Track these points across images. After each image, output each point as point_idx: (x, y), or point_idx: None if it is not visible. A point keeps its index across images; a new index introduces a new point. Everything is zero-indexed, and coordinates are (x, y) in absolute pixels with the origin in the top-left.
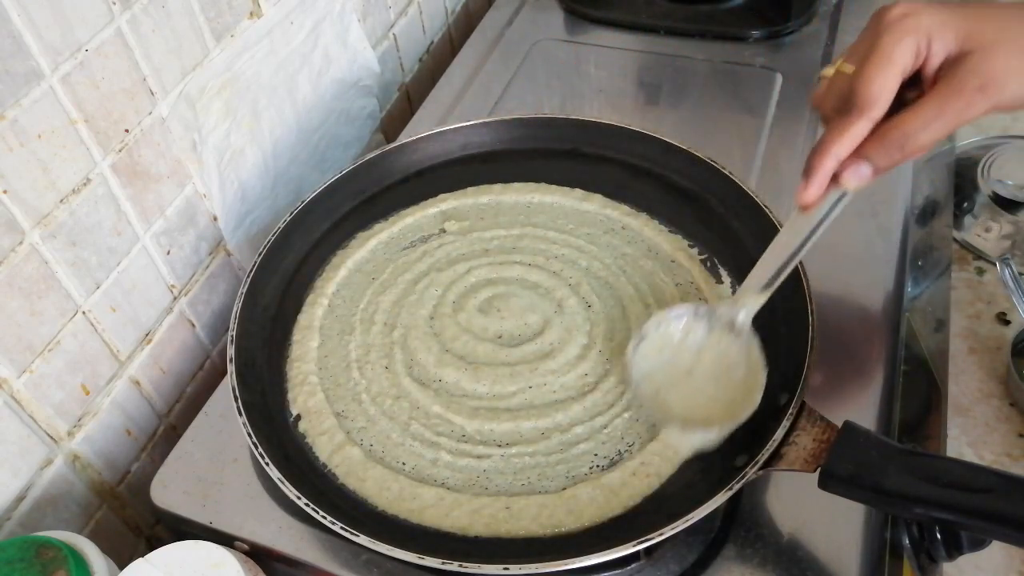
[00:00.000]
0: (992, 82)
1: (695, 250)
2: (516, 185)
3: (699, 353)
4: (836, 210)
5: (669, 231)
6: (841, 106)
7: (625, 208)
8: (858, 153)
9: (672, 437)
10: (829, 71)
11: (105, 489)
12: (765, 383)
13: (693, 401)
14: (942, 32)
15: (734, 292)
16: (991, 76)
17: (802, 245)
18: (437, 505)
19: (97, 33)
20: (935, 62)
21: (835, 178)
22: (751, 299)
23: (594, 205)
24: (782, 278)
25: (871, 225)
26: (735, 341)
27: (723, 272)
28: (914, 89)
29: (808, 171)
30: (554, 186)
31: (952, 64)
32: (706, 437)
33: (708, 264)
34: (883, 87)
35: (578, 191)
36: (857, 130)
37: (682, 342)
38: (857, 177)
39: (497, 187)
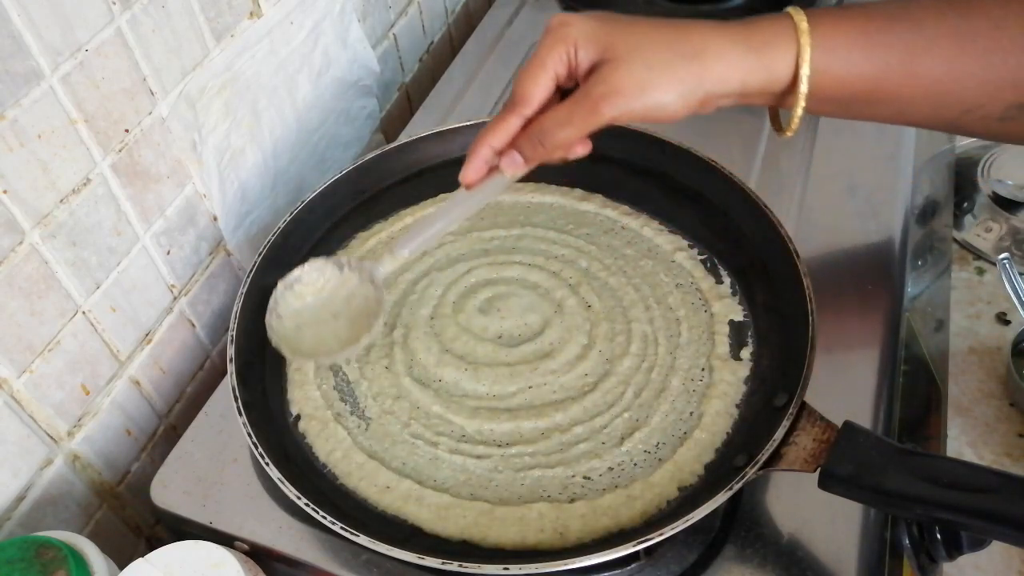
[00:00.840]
0: (616, 91)
1: (695, 250)
2: (516, 185)
3: (349, 300)
4: (498, 190)
5: (669, 231)
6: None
7: (625, 208)
8: (513, 144)
9: (297, 362)
10: None
11: (105, 489)
12: (378, 329)
13: (325, 338)
14: (586, 43)
15: (735, 293)
16: (616, 86)
17: (457, 217)
18: (437, 505)
19: (97, 33)
20: (583, 69)
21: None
22: (390, 259)
23: (594, 205)
24: (426, 245)
25: (871, 225)
26: (375, 292)
27: (723, 272)
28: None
29: (468, 155)
30: (553, 186)
31: (590, 73)
32: (324, 359)
33: (708, 264)
34: (532, 89)
35: (578, 191)
36: (508, 124)
37: (335, 290)
38: (512, 164)
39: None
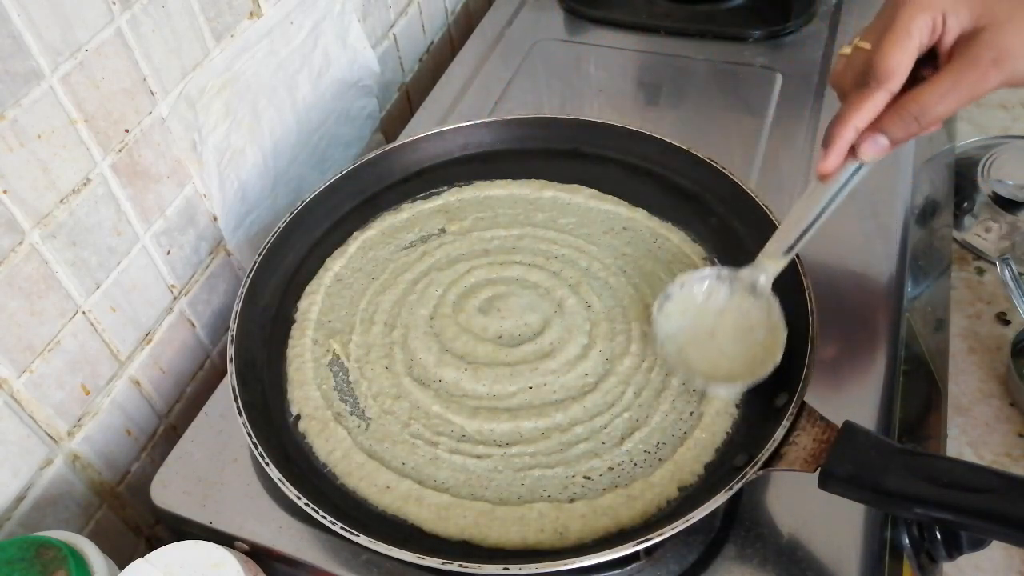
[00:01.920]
0: (1006, 55)
1: (695, 250)
2: (519, 182)
3: (721, 315)
4: (853, 181)
5: (669, 231)
6: (859, 81)
7: (625, 205)
8: (875, 126)
9: (698, 386)
10: (846, 49)
11: (105, 489)
12: (785, 342)
13: (715, 360)
14: (956, 8)
15: None
16: (1005, 50)
17: (820, 213)
18: (437, 505)
19: (97, 33)
20: (950, 38)
21: (852, 150)
22: (771, 263)
23: (596, 200)
24: (801, 244)
25: (871, 225)
26: (756, 303)
27: None
28: (928, 67)
29: (827, 141)
30: (556, 183)
31: (966, 39)
32: (731, 390)
33: (708, 264)
34: (900, 60)
35: (576, 186)
36: (875, 102)
37: (704, 304)
38: (875, 148)
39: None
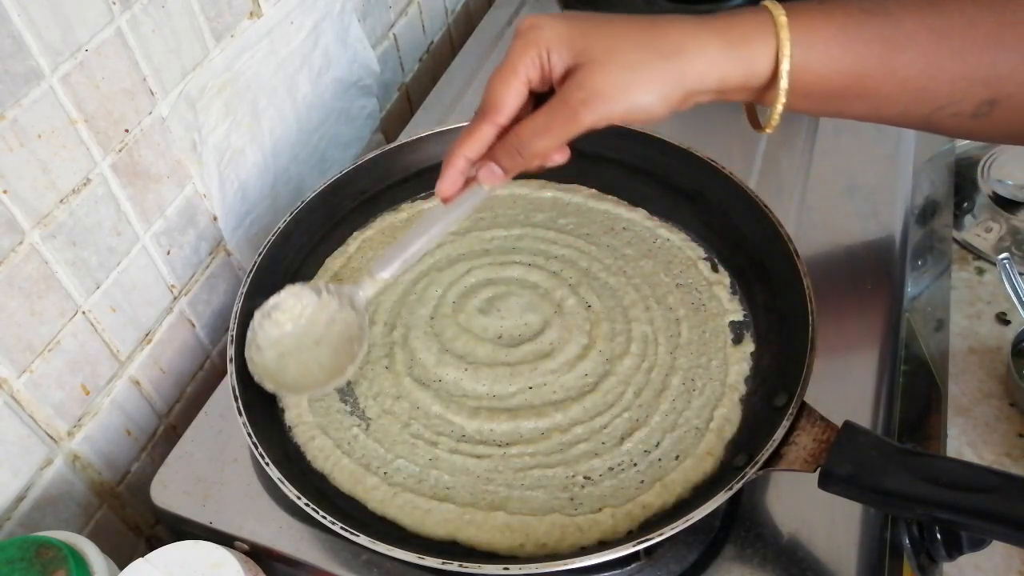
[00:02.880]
0: (596, 96)
1: (695, 250)
2: (518, 182)
3: (329, 325)
4: (476, 202)
5: (669, 231)
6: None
7: (625, 205)
8: (488, 155)
9: (284, 399)
10: None
11: (105, 489)
12: (362, 356)
13: (309, 367)
14: (559, 46)
15: (734, 293)
16: (595, 91)
17: (437, 234)
18: (437, 505)
19: (97, 33)
20: (556, 73)
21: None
22: (371, 282)
23: (595, 200)
24: (407, 265)
25: (871, 225)
26: (356, 317)
27: (723, 272)
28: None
29: (443, 167)
30: (554, 183)
31: (565, 78)
32: (299, 398)
33: (708, 264)
34: (505, 95)
35: (576, 186)
36: (482, 133)
37: (315, 314)
38: (490, 176)
39: None
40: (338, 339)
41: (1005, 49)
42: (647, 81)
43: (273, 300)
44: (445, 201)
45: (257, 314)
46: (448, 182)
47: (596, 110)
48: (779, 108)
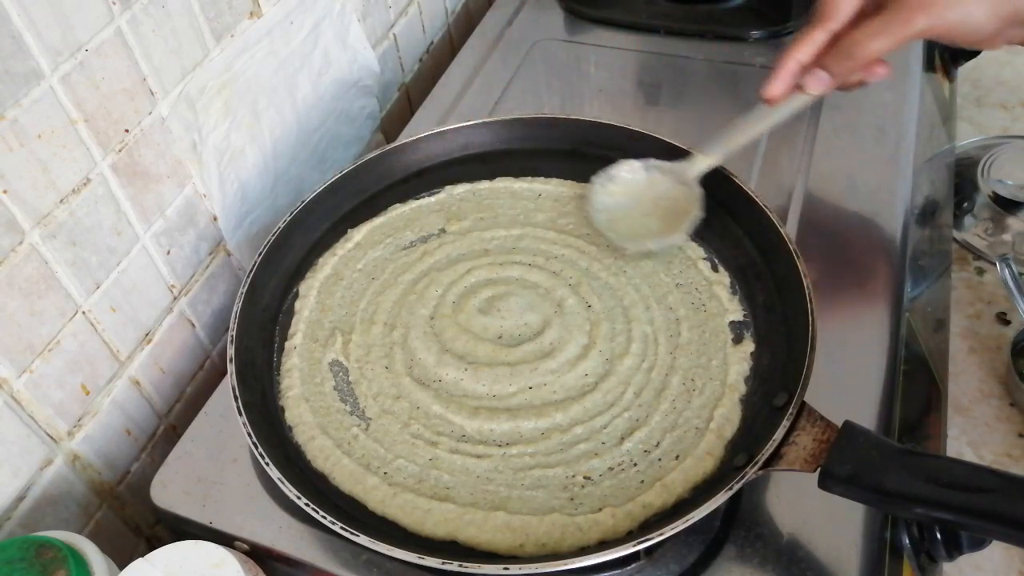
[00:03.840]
0: (933, 2)
1: (695, 250)
2: (519, 182)
3: (657, 200)
4: (797, 108)
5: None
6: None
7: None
8: (818, 63)
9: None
10: None
11: (105, 489)
12: (698, 216)
13: (638, 231)
14: None
15: (734, 293)
16: None
17: (762, 132)
18: (437, 505)
19: (97, 33)
20: None
21: (799, 85)
22: (705, 162)
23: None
24: (735, 152)
25: (871, 225)
26: (686, 192)
27: (723, 272)
28: None
29: (773, 70)
30: (555, 179)
31: None
32: (639, 245)
33: (708, 264)
34: (839, 1)
35: (576, 185)
36: (815, 38)
37: (647, 189)
38: (817, 82)
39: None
40: (665, 213)
41: None
42: None
43: (609, 172)
44: (771, 102)
45: (595, 180)
46: (778, 83)
47: (932, 14)
48: None
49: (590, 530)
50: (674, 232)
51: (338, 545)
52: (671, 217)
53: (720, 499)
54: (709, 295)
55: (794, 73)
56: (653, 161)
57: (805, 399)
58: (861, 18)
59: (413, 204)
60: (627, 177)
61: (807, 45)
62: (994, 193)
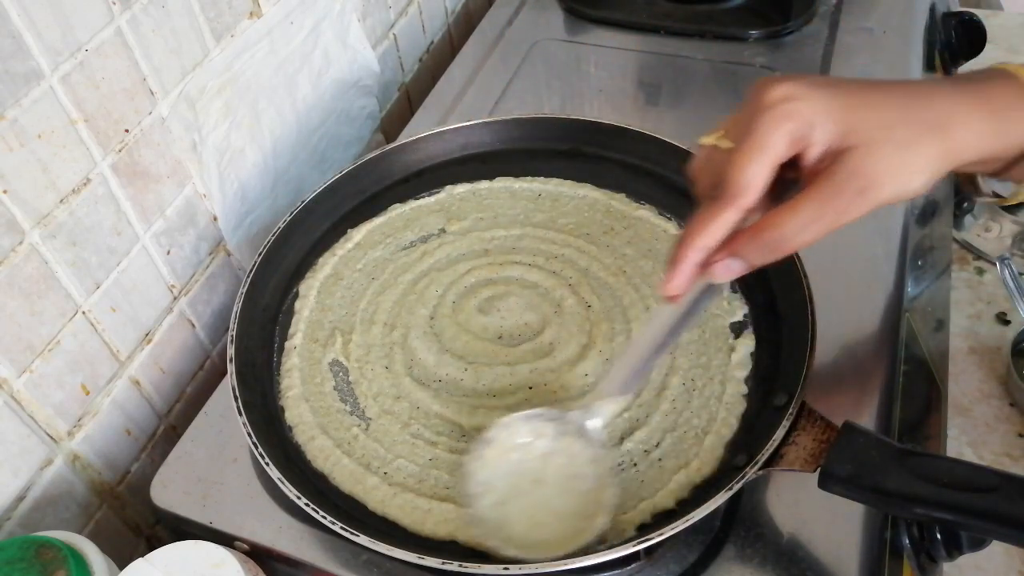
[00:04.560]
0: (873, 184)
1: None
2: (519, 182)
3: (546, 458)
4: (705, 301)
5: (669, 231)
6: (714, 184)
7: (626, 205)
8: (730, 247)
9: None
10: (708, 139)
11: (105, 489)
12: (613, 505)
13: (537, 516)
14: (823, 121)
15: (735, 293)
16: (872, 178)
17: (667, 339)
18: (437, 505)
19: (97, 33)
20: (816, 151)
21: (704, 266)
22: (607, 404)
23: (595, 201)
24: (646, 377)
25: (871, 225)
26: (585, 448)
27: None
28: (793, 169)
29: (673, 261)
30: (555, 179)
31: (832, 161)
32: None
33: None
34: (755, 176)
35: (576, 185)
36: (725, 219)
37: (530, 445)
38: (727, 272)
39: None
40: (561, 475)
41: None
42: (920, 163)
43: (486, 435)
44: (672, 300)
45: (471, 451)
46: (681, 278)
47: (872, 199)
48: None
49: (590, 530)
50: (593, 517)
51: (338, 545)
52: (568, 481)
53: (720, 499)
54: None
55: (699, 264)
56: (534, 411)
57: (805, 399)
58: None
59: (413, 204)
60: (502, 434)
61: (716, 229)
62: (994, 193)
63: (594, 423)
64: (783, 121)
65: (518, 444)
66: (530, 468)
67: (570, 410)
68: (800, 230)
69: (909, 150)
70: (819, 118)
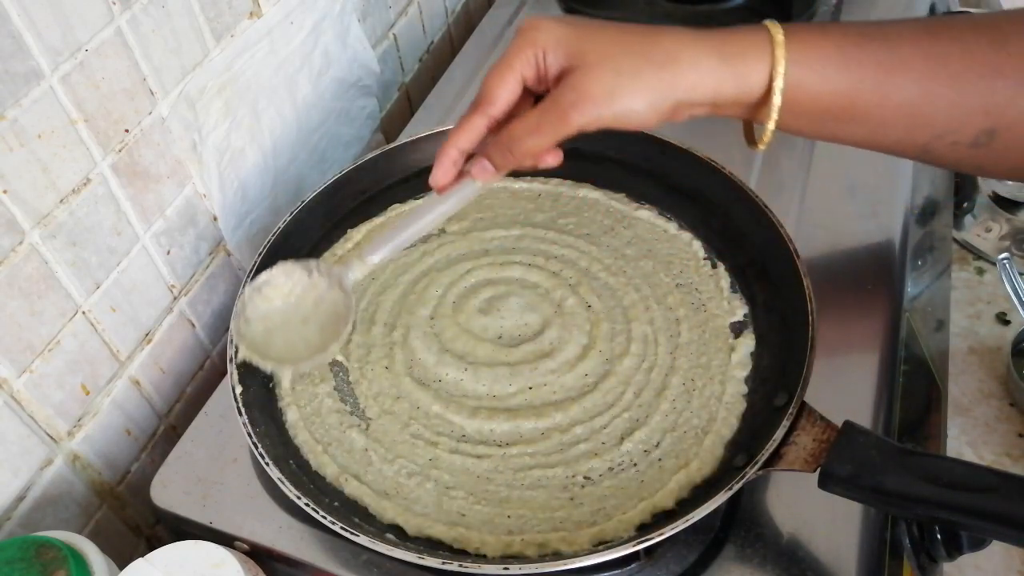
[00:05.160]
0: (586, 99)
1: (695, 250)
2: (519, 182)
3: (315, 305)
4: (470, 195)
5: (669, 231)
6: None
7: (626, 205)
8: (482, 151)
9: (271, 369)
10: None
11: (105, 489)
12: (346, 335)
13: (295, 343)
14: (555, 48)
15: (734, 293)
16: (586, 93)
17: (435, 223)
18: (436, 505)
19: (97, 33)
20: (551, 74)
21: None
22: (360, 264)
23: (595, 201)
24: (396, 251)
25: (871, 225)
26: (344, 298)
27: (723, 271)
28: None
29: (437, 157)
30: (556, 179)
31: (559, 79)
32: (293, 367)
33: (708, 264)
34: (499, 88)
35: (576, 185)
36: (474, 124)
37: (304, 294)
38: (482, 171)
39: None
40: (325, 318)
41: (1004, 78)
42: (638, 88)
43: (264, 276)
44: (438, 191)
45: (247, 288)
46: (441, 171)
47: (586, 112)
48: (771, 126)
49: (590, 530)
50: (330, 343)
51: (338, 545)
52: (329, 324)
53: (720, 499)
54: (709, 295)
55: (457, 161)
56: (312, 262)
57: (805, 399)
58: (523, 103)
59: (413, 204)
60: (281, 281)
61: (467, 132)
62: (994, 193)
63: (352, 277)
64: (525, 46)
65: (296, 291)
66: (303, 310)
67: (335, 267)
68: (526, 135)
69: (626, 76)
70: (552, 45)
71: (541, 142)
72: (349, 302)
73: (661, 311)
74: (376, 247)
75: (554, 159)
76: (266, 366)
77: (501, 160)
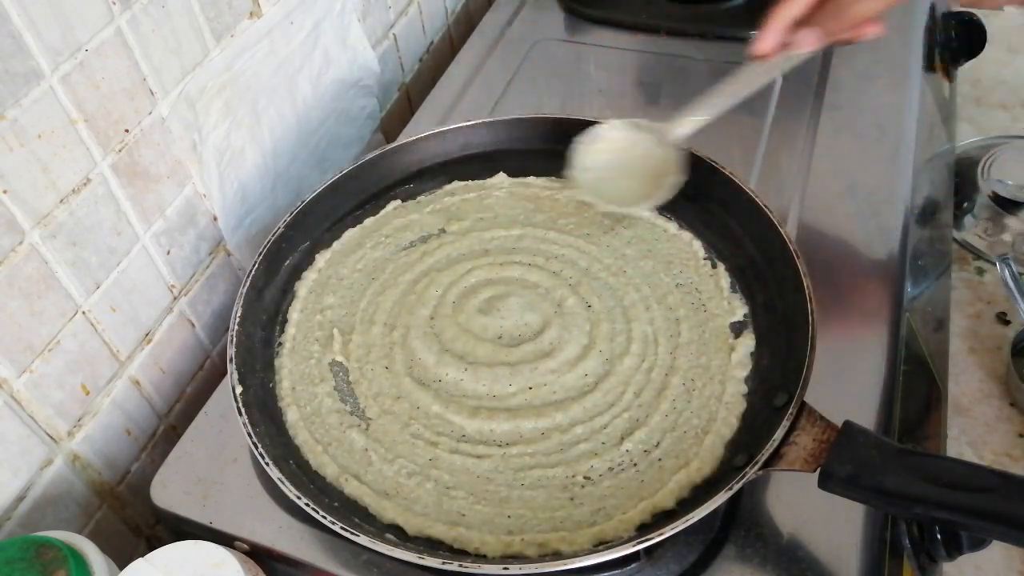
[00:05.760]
0: None
1: (696, 250)
2: (519, 182)
3: (640, 160)
4: (784, 69)
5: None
6: None
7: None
8: (809, 20)
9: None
10: None
11: (105, 489)
12: (670, 186)
13: (622, 190)
14: None
15: (734, 293)
16: None
17: (748, 92)
18: (436, 505)
19: (97, 33)
20: None
21: (786, 44)
22: (689, 123)
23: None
24: (720, 113)
25: (871, 225)
26: (668, 153)
27: (723, 271)
28: None
29: (764, 26)
30: (555, 182)
31: None
32: (621, 208)
33: (708, 264)
34: None
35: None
36: None
37: (631, 148)
38: (807, 39)
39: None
40: (647, 174)
41: None
42: None
43: (595, 131)
44: (761, 59)
45: (583, 140)
46: (770, 39)
47: None
48: None
49: (590, 530)
50: (655, 194)
51: (338, 545)
52: (653, 179)
53: (720, 499)
54: (709, 295)
55: (784, 29)
56: (637, 120)
57: (805, 399)
58: None
59: (413, 204)
60: (612, 135)
61: (797, 2)
62: (994, 193)
63: (677, 134)
64: None
65: (623, 147)
66: (629, 163)
67: (663, 125)
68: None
69: None
70: None
71: (876, 7)
72: (673, 156)
73: (661, 311)
74: (699, 107)
75: (875, 29)
76: (605, 207)
77: (830, 25)
